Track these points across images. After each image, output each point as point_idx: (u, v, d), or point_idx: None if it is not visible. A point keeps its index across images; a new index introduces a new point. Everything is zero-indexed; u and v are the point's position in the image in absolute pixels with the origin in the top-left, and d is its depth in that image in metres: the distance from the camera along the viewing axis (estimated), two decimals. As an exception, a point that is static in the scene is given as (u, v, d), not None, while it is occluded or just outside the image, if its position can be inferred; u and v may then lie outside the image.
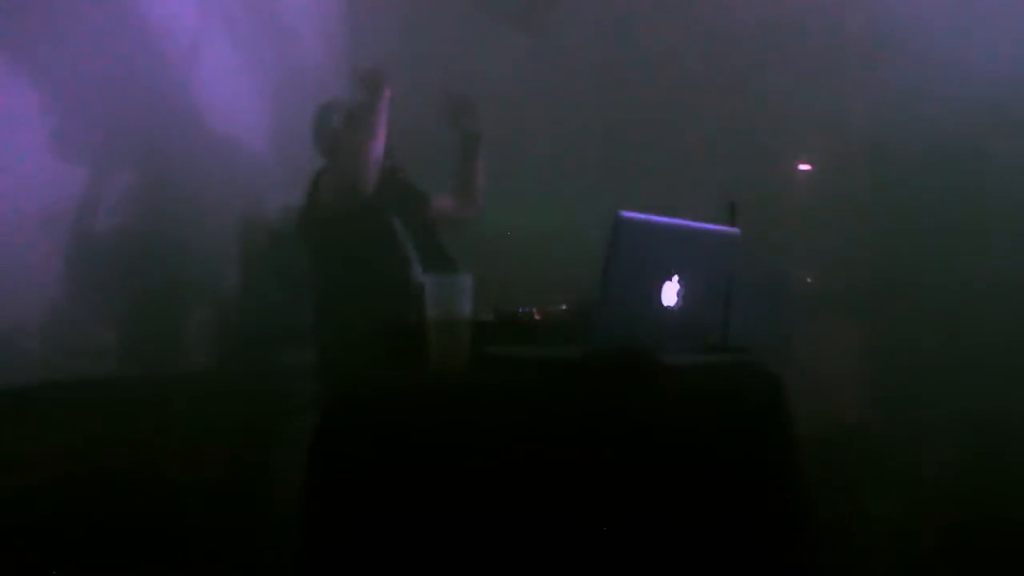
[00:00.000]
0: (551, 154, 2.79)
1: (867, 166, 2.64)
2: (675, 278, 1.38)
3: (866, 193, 2.63)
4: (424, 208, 2.23)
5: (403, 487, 1.22)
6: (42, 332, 1.69)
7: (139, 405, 1.86)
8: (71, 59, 1.78)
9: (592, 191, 2.67)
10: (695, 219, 1.43)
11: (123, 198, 1.99)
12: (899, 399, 2.38)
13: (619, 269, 1.31)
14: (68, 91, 1.77)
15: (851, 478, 2.22)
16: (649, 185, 2.57)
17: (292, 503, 1.28)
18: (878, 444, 2.34)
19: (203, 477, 2.00)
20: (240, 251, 2.47)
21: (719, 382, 1.31)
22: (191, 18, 2.32)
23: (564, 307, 1.67)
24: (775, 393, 1.29)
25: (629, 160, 2.74)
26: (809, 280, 2.58)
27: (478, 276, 1.41)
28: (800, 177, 2.78)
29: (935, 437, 2.33)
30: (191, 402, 2.06)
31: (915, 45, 2.50)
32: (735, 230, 1.50)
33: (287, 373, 2.41)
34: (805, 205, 2.69)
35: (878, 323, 2.49)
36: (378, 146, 2.00)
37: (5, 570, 1.48)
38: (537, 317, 1.64)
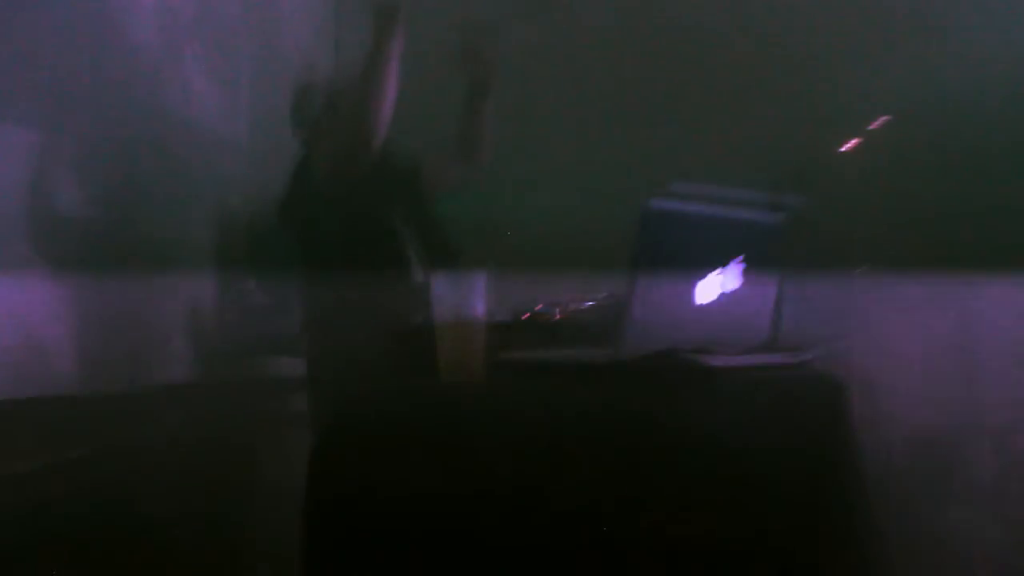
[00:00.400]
0: (573, 125, 2.77)
1: (945, 131, 2.58)
2: (720, 270, 1.39)
3: (943, 163, 2.57)
4: (420, 186, 2.20)
5: (413, 515, 1.23)
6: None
7: (108, 423, 1.89)
8: (30, 40, 1.81)
9: (622, 165, 2.65)
10: (741, 198, 1.43)
11: (82, 192, 2.01)
12: (980, 406, 2.36)
13: (653, 260, 1.32)
14: (23, 73, 1.80)
15: (922, 495, 2.22)
16: (689, 158, 2.54)
17: (284, 531, 1.30)
18: (953, 457, 2.33)
19: (182, 502, 2.03)
20: (217, 249, 2.49)
21: (773, 388, 1.31)
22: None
23: (590, 303, 1.68)
24: (836, 401, 1.30)
25: (665, 130, 2.71)
26: (866, 268, 2.57)
27: (491, 271, 1.42)
28: (862, 147, 2.75)
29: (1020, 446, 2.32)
30: (166, 419, 2.09)
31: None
32: (786, 211, 1.50)
33: (274, 386, 2.43)
34: (869, 180, 2.66)
35: (955, 316, 2.47)
36: (390, 93, 1.94)
37: None
38: (559, 316, 1.65)
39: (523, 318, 1.66)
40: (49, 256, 1.86)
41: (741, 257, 1.42)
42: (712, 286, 1.39)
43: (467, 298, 1.40)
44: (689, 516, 1.18)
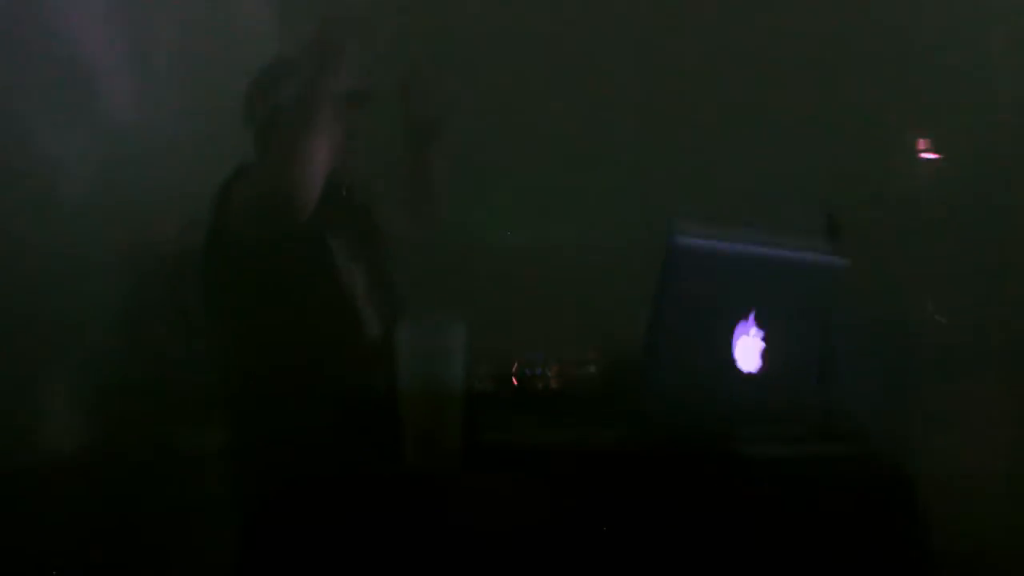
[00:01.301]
0: (571, 144, 2.80)
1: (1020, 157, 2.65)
2: (754, 329, 1.39)
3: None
4: (376, 232, 2.23)
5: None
6: None
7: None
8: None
9: (631, 197, 2.68)
10: (781, 241, 1.44)
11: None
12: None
13: (675, 317, 1.33)
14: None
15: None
16: (713, 191, 2.57)
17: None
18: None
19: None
20: (127, 284, 2.48)
21: (822, 482, 1.31)
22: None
23: (591, 367, 1.69)
24: (905, 497, 1.30)
25: (683, 152, 2.74)
26: (943, 320, 2.59)
27: (469, 322, 1.43)
28: (928, 174, 2.80)
29: None
30: (56, 502, 2.07)
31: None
32: (838, 258, 1.51)
33: (192, 462, 2.41)
34: (936, 215, 2.70)
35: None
36: (326, 147, 2.00)
37: None
38: (553, 381, 1.65)
39: (510, 383, 1.66)
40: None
41: (786, 311, 1.43)
42: (751, 347, 1.39)
43: (439, 357, 1.40)
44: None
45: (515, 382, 1.67)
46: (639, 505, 1.27)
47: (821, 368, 1.47)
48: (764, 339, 1.39)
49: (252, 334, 2.09)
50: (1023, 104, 2.63)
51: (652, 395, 1.33)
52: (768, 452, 1.34)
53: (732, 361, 1.37)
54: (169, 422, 2.42)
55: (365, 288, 2.16)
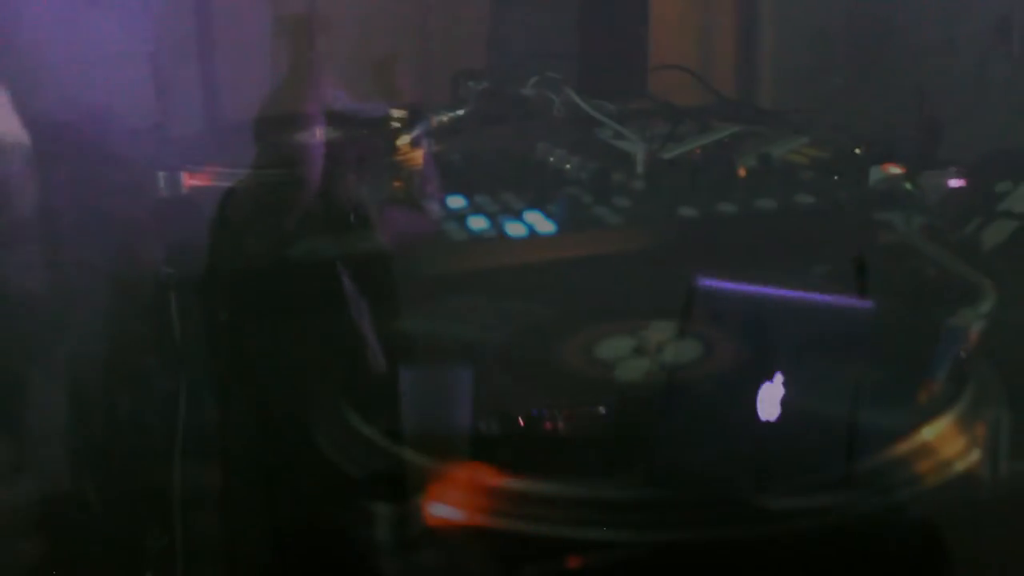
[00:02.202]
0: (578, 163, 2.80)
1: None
2: (780, 376, 1.41)
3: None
4: (387, 261, 2.23)
5: None
6: None
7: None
8: None
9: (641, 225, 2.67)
10: (807, 284, 1.46)
11: None
12: None
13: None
14: None
15: None
16: (736, 228, 2.58)
17: None
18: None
19: None
20: (106, 311, 2.48)
21: (852, 535, 1.33)
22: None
23: (602, 409, 1.69)
24: (931, 554, 1.32)
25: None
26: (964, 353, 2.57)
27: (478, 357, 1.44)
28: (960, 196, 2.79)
29: None
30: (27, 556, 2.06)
31: None
32: (863, 300, 1.53)
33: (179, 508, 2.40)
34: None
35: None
36: (315, 127, 2.00)
37: None
38: (561, 424, 1.66)
39: (516, 426, 1.66)
40: None
41: (810, 355, 1.45)
42: (774, 395, 1.40)
43: (443, 395, 1.41)
44: None
45: (521, 424, 1.67)
46: (656, 553, 1.28)
47: (850, 415, 1.48)
48: (785, 385, 1.41)
49: (248, 371, 2.10)
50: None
51: (669, 442, 1.34)
52: (789, 503, 1.35)
53: (753, 407, 1.39)
54: (158, 457, 2.42)
55: (367, 320, 2.17)
